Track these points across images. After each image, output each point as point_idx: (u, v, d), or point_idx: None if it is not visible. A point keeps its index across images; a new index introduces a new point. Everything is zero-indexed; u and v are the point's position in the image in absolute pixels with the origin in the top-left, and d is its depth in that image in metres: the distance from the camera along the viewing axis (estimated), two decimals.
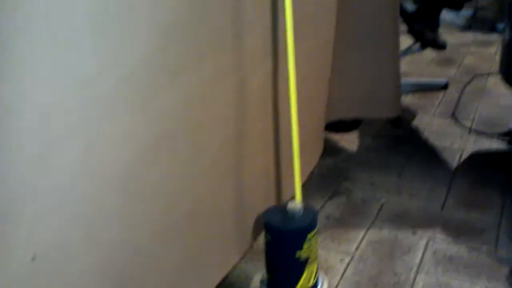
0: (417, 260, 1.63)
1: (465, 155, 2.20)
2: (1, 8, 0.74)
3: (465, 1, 2.80)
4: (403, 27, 2.64)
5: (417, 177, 2.06)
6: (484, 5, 3.88)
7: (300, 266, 1.29)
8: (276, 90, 1.47)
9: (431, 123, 2.48)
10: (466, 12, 3.89)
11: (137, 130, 1.01)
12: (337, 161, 2.19)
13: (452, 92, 2.79)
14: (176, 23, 1.04)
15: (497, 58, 2.44)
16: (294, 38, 1.31)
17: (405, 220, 1.82)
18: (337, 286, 1.55)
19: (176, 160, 1.13)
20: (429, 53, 3.28)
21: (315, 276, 1.33)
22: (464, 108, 2.61)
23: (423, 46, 3.13)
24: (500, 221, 1.79)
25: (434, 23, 2.74)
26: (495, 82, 2.81)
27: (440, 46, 2.78)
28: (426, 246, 1.69)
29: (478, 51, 3.41)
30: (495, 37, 3.58)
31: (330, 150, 2.21)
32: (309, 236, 1.28)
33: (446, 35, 3.03)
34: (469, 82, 2.88)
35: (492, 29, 3.72)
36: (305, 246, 1.27)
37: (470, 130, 2.38)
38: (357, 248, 1.70)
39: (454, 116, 2.53)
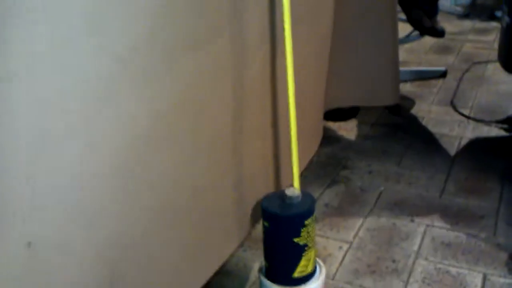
0: (416, 247, 1.63)
1: (463, 143, 2.20)
2: (1, 4, 0.74)
3: None
4: (401, 14, 2.64)
5: (416, 165, 2.06)
6: None
7: (298, 253, 1.29)
8: (274, 77, 1.46)
9: (430, 111, 2.48)
10: None
11: (137, 128, 1.01)
12: (335, 150, 2.19)
13: (451, 80, 2.79)
14: (171, 10, 1.03)
15: (496, 45, 2.44)
16: (292, 23, 1.30)
17: (403, 207, 1.82)
18: (335, 273, 1.55)
19: (175, 152, 1.12)
20: (428, 41, 3.28)
21: (313, 263, 1.33)
22: (463, 96, 2.60)
23: (422, 34, 3.12)
24: (499, 208, 1.79)
25: (432, 11, 2.73)
26: (494, 70, 2.81)
27: (438, 33, 2.77)
28: (425, 233, 1.69)
29: (476, 38, 3.40)
30: (493, 24, 3.57)
31: (328, 138, 2.21)
32: (306, 222, 1.27)
33: (444, 22, 3.02)
34: (467, 70, 2.87)
35: (490, 16, 3.70)
36: (303, 232, 1.27)
37: (468, 118, 2.38)
38: (355, 235, 1.70)
39: (452, 103, 2.53)
